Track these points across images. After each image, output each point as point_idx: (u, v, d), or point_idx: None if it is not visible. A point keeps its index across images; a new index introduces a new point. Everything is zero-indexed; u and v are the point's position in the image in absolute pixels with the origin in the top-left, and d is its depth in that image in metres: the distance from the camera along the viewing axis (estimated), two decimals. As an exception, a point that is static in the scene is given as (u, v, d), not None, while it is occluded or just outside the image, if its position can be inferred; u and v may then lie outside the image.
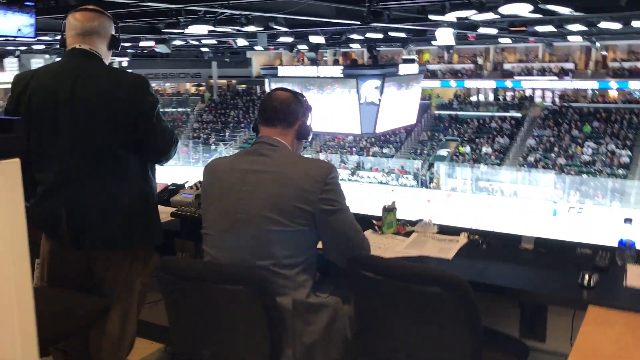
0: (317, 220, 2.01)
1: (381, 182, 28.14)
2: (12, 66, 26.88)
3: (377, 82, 19.92)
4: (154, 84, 36.72)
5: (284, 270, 1.99)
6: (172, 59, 32.71)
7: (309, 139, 2.25)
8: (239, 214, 2.02)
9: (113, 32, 2.50)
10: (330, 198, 2.01)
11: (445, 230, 2.59)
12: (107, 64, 2.48)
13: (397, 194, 26.62)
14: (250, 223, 2.00)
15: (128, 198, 2.37)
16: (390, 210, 2.54)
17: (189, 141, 33.50)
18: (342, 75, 20.65)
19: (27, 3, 6.03)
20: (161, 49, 15.88)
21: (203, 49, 24.96)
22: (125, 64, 30.26)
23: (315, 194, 1.98)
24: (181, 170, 31.27)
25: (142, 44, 19.85)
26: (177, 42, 20.76)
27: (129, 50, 26.11)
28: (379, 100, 19.87)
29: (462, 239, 2.48)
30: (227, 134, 33.77)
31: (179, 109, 36.15)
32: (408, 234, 2.54)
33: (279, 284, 1.97)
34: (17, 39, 5.98)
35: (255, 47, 22.12)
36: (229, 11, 11.49)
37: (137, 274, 2.49)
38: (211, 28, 13.29)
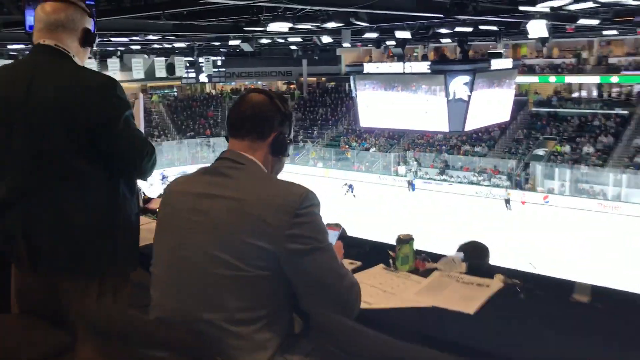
0: (282, 263, 1.54)
1: (472, 182, 26.93)
2: (114, 66, 28.05)
3: (466, 78, 18.95)
4: (245, 82, 37.93)
5: (238, 327, 1.52)
6: (263, 58, 33.24)
7: (287, 154, 1.77)
8: (184, 251, 1.60)
9: (87, 26, 2.15)
10: (302, 234, 1.53)
11: (476, 270, 2.05)
12: (80, 62, 2.14)
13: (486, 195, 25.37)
14: (197, 264, 1.57)
15: (89, 217, 2.03)
16: (405, 241, 2.04)
17: (277, 138, 33.82)
18: (429, 71, 19.89)
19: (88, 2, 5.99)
20: (245, 47, 15.90)
21: (292, 47, 24.98)
22: (219, 63, 31.02)
23: (281, 228, 1.52)
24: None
25: (230, 42, 20.19)
26: (264, 41, 20.84)
27: (221, 49, 26.74)
28: (469, 96, 18.92)
29: (496, 283, 1.90)
30: (315, 131, 33.76)
31: (269, 107, 36.57)
32: (427, 273, 2.02)
33: (229, 345, 1.52)
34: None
35: (343, 44, 21.74)
36: (308, 7, 11.22)
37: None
38: (291, 25, 13.08)
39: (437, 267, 2.05)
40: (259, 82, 39.03)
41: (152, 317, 1.62)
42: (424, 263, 2.06)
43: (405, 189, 27.45)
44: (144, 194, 3.09)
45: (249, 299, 1.54)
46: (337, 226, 2.03)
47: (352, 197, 25.71)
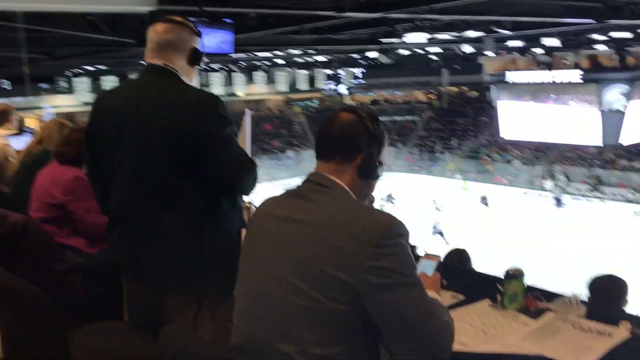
0: (362, 298, 1.41)
1: (629, 201, 24.49)
2: (260, 79, 29.43)
3: (623, 87, 17.35)
4: (384, 93, 37.95)
5: None
6: (403, 68, 33.04)
7: (376, 178, 1.65)
8: (262, 277, 1.55)
9: (195, 45, 2.22)
10: (385, 267, 1.40)
11: (600, 314, 1.77)
12: (188, 80, 2.21)
13: None
14: (274, 291, 1.50)
15: (189, 234, 2.07)
16: (514, 277, 1.83)
17: (414, 149, 33.44)
18: (581, 81, 18.49)
19: (225, 20, 6.36)
20: (382, 59, 15.91)
21: (432, 57, 24.59)
22: (359, 75, 31.36)
23: (361, 259, 1.40)
24: (406, 178, 31.34)
25: (369, 54, 20.35)
26: (403, 52, 20.72)
27: (360, 62, 27.06)
28: (625, 107, 17.28)
29: (620, 332, 1.65)
30: (454, 142, 32.87)
31: (408, 117, 36.30)
32: (539, 314, 1.79)
33: None
34: (217, 55, 6.30)
35: (485, 53, 20.97)
36: (447, 17, 10.95)
37: (206, 325, 2.13)
38: (429, 35, 12.86)
39: (550, 307, 1.82)
40: (397, 93, 38.87)
41: (231, 343, 1.60)
42: (537, 302, 1.84)
43: (550, 205, 25.68)
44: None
45: (327, 333, 1.43)
46: (434, 256, 1.89)
47: (485, 209, 24.71)
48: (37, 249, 2.77)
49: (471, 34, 12.75)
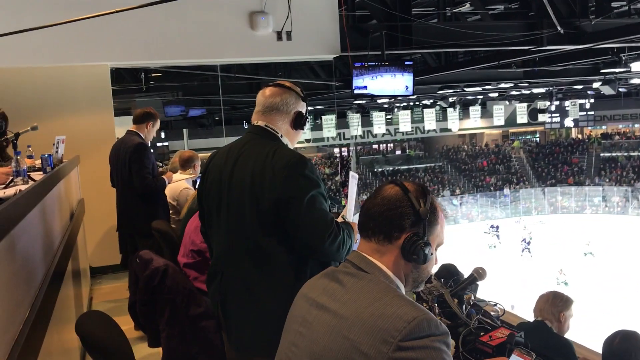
0: None
1: None
2: (475, 114, 28.62)
3: None
4: (619, 126, 34.09)
5: None
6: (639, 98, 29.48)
7: (421, 261, 1.41)
8: None
9: (299, 109, 2.26)
10: None
11: None
12: (289, 143, 2.24)
13: None
14: None
15: (274, 297, 2.03)
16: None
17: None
18: None
19: (406, 62, 6.32)
20: (605, 90, 14.37)
21: (676, 85, 21.50)
22: (587, 106, 28.74)
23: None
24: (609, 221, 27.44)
25: (594, 85, 18.53)
26: (636, 81, 18.48)
27: (589, 92, 24.79)
28: None
29: None
30: None
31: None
32: None
33: None
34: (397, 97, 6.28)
35: None
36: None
37: None
38: (660, 63, 11.28)
39: None
40: (636, 125, 34.58)
41: None
42: None
43: None
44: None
45: None
46: (527, 354, 1.54)
47: None
48: (174, 293, 2.97)
49: None
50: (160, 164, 6.08)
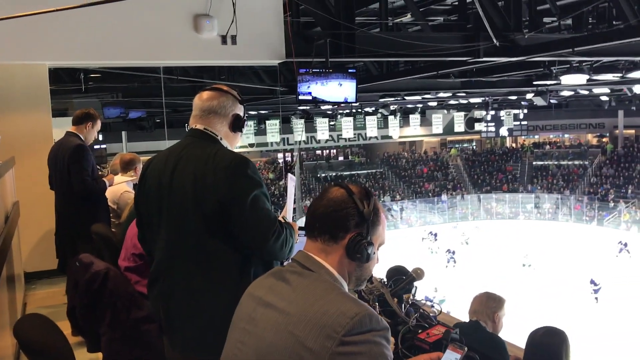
0: None
1: None
2: (415, 122, 29.29)
3: None
4: (550, 135, 35.65)
5: None
6: (570, 109, 30.92)
7: (364, 260, 1.48)
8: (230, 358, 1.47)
9: (237, 112, 2.29)
10: None
11: None
12: (228, 145, 2.26)
13: None
14: None
15: (217, 298, 2.05)
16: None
17: (584, 197, 30.78)
18: None
19: (350, 69, 6.45)
20: (537, 101, 15.04)
21: (602, 98, 22.68)
22: (521, 116, 29.96)
23: (320, 357, 1.25)
24: (572, 229, 28.85)
25: (527, 96, 19.33)
26: (566, 93, 19.39)
27: (522, 103, 25.83)
28: None
29: None
30: (629, 190, 29.66)
31: (576, 162, 33.63)
32: None
33: None
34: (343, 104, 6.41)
35: (664, 93, 18.75)
36: (605, 58, 10.07)
37: None
38: (587, 77, 11.90)
39: None
40: (566, 135, 36.31)
41: None
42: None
43: None
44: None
45: None
46: (460, 347, 1.65)
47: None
48: (115, 297, 2.94)
49: (639, 74, 11.52)
50: (99, 169, 5.95)
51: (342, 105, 6.97)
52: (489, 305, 3.38)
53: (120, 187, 4.66)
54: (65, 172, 4.25)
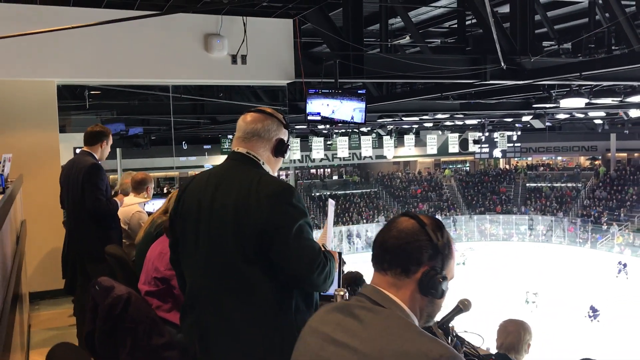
0: None
1: None
2: (409, 142, 29.35)
3: None
4: (544, 158, 35.85)
5: None
6: (563, 132, 31.14)
7: (439, 296, 1.41)
8: None
9: (281, 136, 2.22)
10: None
11: None
12: (270, 170, 2.19)
13: None
14: None
15: (256, 330, 1.96)
16: None
17: (577, 219, 30.87)
18: None
19: (359, 91, 6.44)
20: (535, 124, 15.14)
21: (596, 121, 22.86)
22: (514, 138, 30.13)
23: None
24: (565, 251, 28.86)
25: (523, 118, 19.45)
26: (562, 116, 19.55)
27: (517, 125, 26.00)
28: None
29: None
30: (622, 213, 29.79)
31: (569, 184, 33.80)
32: None
33: None
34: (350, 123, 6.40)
35: (658, 117, 18.94)
36: (605, 83, 10.15)
37: None
38: (587, 100, 11.98)
39: None
40: (559, 158, 36.54)
41: None
42: None
43: None
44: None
45: None
46: None
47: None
48: (136, 322, 2.85)
49: (638, 99, 11.61)
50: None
51: (351, 125, 6.96)
52: (525, 339, 3.31)
53: (132, 208, 4.58)
54: (78, 192, 4.17)
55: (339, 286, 2.66)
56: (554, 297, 21.91)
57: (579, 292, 21.98)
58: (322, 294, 2.22)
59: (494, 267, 26.47)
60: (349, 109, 6.36)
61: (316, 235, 2.47)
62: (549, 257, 27.75)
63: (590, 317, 19.37)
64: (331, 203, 2.56)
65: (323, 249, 2.19)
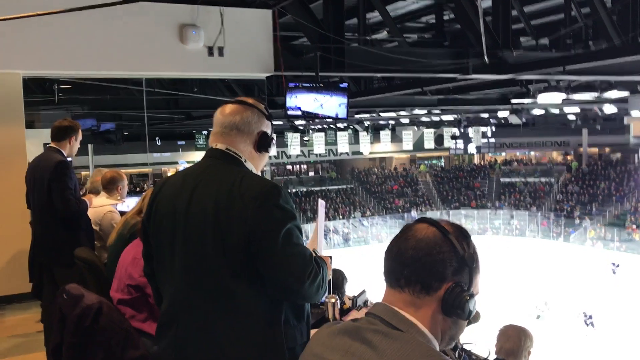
0: None
1: None
2: (385, 138, 29.34)
3: None
4: (517, 153, 36.22)
5: None
6: (537, 128, 31.44)
7: (466, 317, 1.22)
8: None
9: (264, 129, 1.98)
10: None
11: None
12: (253, 168, 1.96)
13: None
14: None
15: (242, 347, 1.75)
16: None
17: (550, 213, 31.24)
18: None
19: (341, 85, 6.25)
20: (513, 119, 15.17)
21: (570, 117, 23.08)
22: (489, 134, 30.35)
23: None
24: (540, 245, 29.16)
25: (499, 114, 19.53)
26: (537, 112, 19.65)
27: (492, 121, 26.15)
28: None
29: None
30: (594, 207, 30.24)
31: (542, 179, 34.19)
32: None
33: None
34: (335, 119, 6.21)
35: (631, 113, 19.18)
36: (584, 78, 10.14)
37: None
38: (565, 96, 12.00)
39: None
40: (532, 153, 36.94)
41: None
42: None
43: None
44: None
45: None
46: None
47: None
48: (109, 334, 2.61)
49: (614, 94, 11.67)
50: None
51: (330, 120, 6.76)
52: (526, 345, 3.17)
53: (103, 208, 4.31)
54: (44, 191, 3.89)
55: (329, 293, 2.47)
56: (545, 296, 21.70)
57: (568, 292, 21.70)
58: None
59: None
60: (331, 104, 6.15)
61: (305, 240, 2.26)
62: (525, 251, 27.95)
63: (586, 323, 19.17)
64: (321, 204, 2.32)
65: (314, 254, 1.98)
